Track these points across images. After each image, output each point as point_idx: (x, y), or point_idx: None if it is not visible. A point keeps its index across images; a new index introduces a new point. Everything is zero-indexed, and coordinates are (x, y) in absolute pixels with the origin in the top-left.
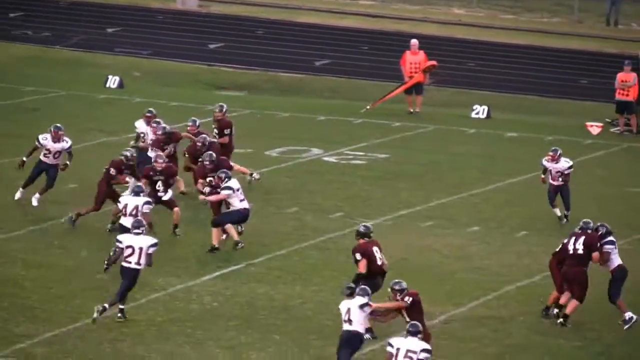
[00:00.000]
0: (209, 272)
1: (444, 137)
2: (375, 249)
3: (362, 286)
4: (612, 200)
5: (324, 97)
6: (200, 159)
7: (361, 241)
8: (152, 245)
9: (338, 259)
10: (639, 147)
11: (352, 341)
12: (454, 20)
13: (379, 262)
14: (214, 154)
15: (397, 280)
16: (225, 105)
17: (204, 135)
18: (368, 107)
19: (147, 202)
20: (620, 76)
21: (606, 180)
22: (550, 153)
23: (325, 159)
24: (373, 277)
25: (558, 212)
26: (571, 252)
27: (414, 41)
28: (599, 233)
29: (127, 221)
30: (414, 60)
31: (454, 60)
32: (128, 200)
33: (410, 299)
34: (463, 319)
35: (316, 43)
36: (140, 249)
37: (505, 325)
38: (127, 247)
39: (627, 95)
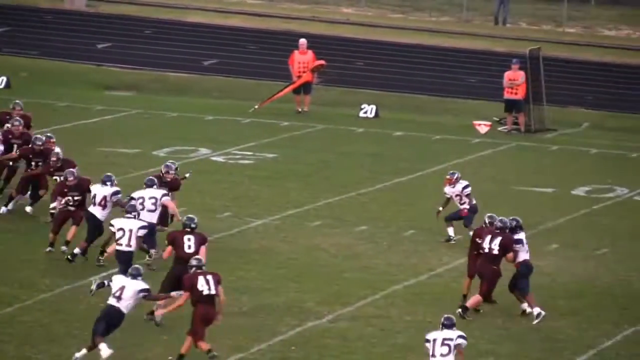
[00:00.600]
0: (96, 272)
1: (333, 137)
2: (187, 237)
3: (136, 266)
4: (500, 199)
5: (212, 97)
6: (58, 176)
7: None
8: (141, 228)
9: (228, 259)
10: (526, 145)
11: (114, 318)
12: (343, 20)
13: (187, 250)
14: (74, 170)
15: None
16: None
17: (57, 150)
18: (256, 106)
19: (115, 192)
20: (508, 75)
21: (494, 178)
22: (448, 176)
23: (214, 158)
24: (182, 264)
25: (451, 232)
26: (486, 250)
27: (303, 40)
28: (513, 225)
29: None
30: (302, 59)
31: (342, 60)
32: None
33: (181, 293)
34: (350, 318)
35: (204, 43)
36: (130, 231)
37: (393, 324)
38: (119, 229)
39: (516, 94)
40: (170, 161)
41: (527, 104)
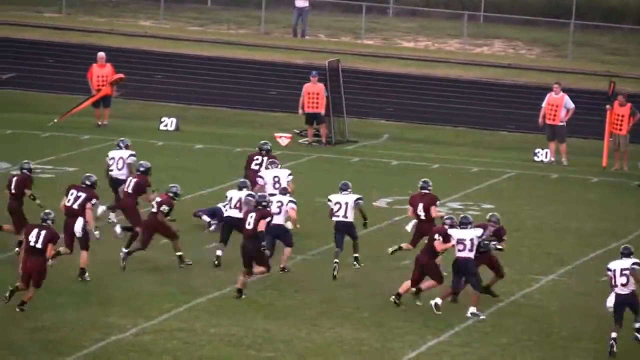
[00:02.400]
0: None
1: (135, 150)
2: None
3: None
4: (302, 211)
5: (10, 110)
6: None
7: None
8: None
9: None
10: (328, 157)
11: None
12: (141, 32)
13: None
14: None
15: None
16: None
17: None
18: (56, 120)
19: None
20: (307, 87)
21: (296, 190)
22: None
23: (14, 173)
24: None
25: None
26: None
27: (101, 54)
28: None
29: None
30: (100, 73)
31: (142, 73)
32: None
33: None
34: (154, 331)
35: (1, 57)
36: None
37: (197, 337)
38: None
39: (317, 106)
40: None
41: (327, 116)
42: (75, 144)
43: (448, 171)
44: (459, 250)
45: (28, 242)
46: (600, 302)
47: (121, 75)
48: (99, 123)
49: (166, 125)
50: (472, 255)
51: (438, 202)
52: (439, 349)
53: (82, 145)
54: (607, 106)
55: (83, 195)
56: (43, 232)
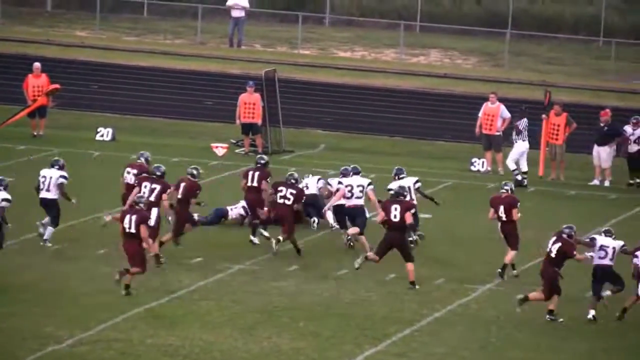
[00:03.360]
0: None
1: (70, 160)
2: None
3: None
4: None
5: None
6: None
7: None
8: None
9: None
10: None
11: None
12: (77, 43)
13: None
14: None
15: None
16: None
17: None
18: None
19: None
20: (243, 97)
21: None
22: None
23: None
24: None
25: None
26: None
27: (37, 64)
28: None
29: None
30: (36, 83)
31: (78, 83)
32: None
33: None
34: (91, 342)
35: None
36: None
37: (134, 347)
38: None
39: (253, 117)
40: None
41: (263, 126)
42: (11, 154)
43: (385, 181)
44: (600, 258)
45: (124, 227)
46: (536, 311)
47: (56, 86)
48: (35, 133)
49: (102, 136)
50: (612, 263)
51: (519, 204)
52: (376, 359)
53: (18, 156)
54: (543, 116)
55: (158, 187)
56: (134, 217)
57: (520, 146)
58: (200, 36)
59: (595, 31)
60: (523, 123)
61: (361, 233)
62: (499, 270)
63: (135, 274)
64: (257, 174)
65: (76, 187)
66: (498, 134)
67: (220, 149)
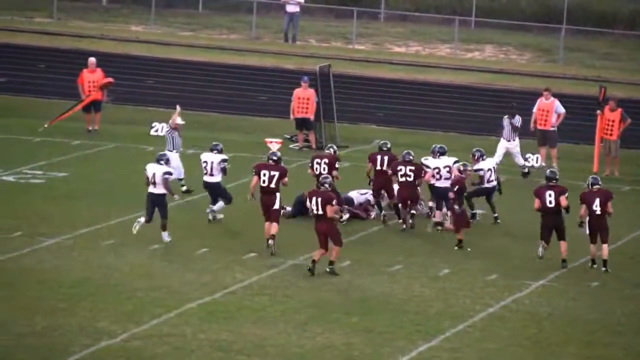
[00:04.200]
0: None
1: (124, 155)
2: (548, 192)
3: None
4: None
5: (1, 116)
6: None
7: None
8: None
9: (20, 278)
10: None
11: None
12: (132, 38)
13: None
14: None
15: None
16: None
17: None
18: (46, 125)
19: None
20: (297, 92)
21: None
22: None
23: (4, 178)
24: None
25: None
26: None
27: (92, 59)
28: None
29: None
30: (91, 78)
31: (133, 78)
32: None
33: None
34: (144, 337)
35: None
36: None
37: (187, 342)
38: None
39: (307, 112)
40: None
41: (317, 121)
42: (66, 149)
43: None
44: None
45: (311, 209)
46: (590, 307)
47: (110, 80)
48: (89, 128)
49: (157, 131)
50: None
51: (613, 197)
52: (430, 354)
53: (73, 151)
54: (598, 111)
55: (277, 173)
56: (320, 198)
57: (515, 144)
58: (255, 31)
59: None
60: (519, 120)
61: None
62: (590, 264)
63: (339, 252)
64: (386, 158)
65: (127, 182)
66: (553, 129)
67: (274, 144)
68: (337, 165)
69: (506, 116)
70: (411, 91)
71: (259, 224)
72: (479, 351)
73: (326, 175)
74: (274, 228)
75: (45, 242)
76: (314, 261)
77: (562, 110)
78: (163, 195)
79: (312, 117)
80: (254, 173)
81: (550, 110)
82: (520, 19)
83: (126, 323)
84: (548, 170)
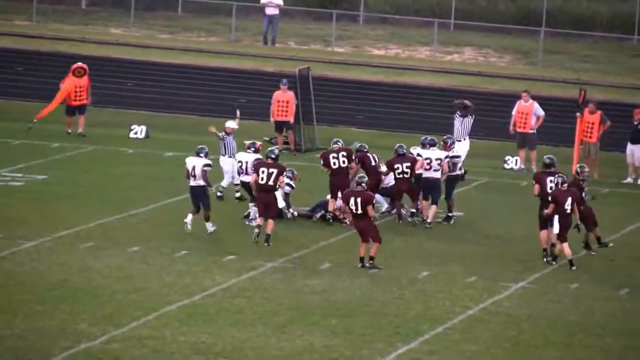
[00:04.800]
0: None
1: (104, 158)
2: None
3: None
4: None
5: None
6: None
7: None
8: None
9: None
10: (298, 165)
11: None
12: (112, 40)
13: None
14: None
15: None
16: None
17: None
18: (35, 120)
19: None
20: (276, 95)
21: None
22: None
23: None
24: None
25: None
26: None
27: (79, 64)
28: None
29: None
30: (79, 83)
31: (112, 81)
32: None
33: None
34: (124, 339)
35: None
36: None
37: (167, 345)
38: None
39: (286, 114)
40: None
41: (297, 123)
42: (45, 152)
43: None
44: None
45: (350, 209)
46: (570, 308)
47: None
48: (69, 131)
49: (136, 133)
50: None
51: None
52: (409, 357)
53: (52, 153)
54: (578, 114)
55: (275, 170)
56: (359, 199)
57: (466, 144)
58: (234, 34)
59: (629, 29)
60: (470, 120)
61: (435, 203)
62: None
63: (378, 247)
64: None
65: (107, 185)
66: (532, 131)
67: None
68: (353, 157)
69: (457, 114)
70: (391, 94)
71: (239, 226)
72: (459, 353)
73: (362, 175)
74: (270, 225)
75: (24, 244)
76: (362, 258)
77: (541, 112)
78: (203, 186)
79: (291, 119)
80: (253, 171)
81: (529, 113)
82: (500, 21)
83: (105, 325)
84: (546, 157)
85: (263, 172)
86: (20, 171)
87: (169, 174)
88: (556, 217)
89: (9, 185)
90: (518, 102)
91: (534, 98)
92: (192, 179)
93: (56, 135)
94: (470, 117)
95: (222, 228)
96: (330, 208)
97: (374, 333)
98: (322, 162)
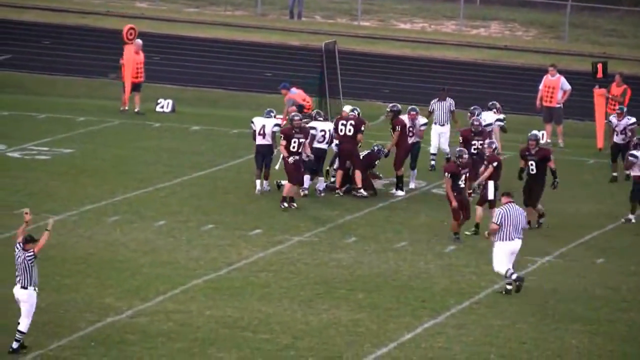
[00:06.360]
0: None
1: (130, 132)
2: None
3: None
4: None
5: (6, 92)
6: None
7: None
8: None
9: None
10: None
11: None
12: (137, 14)
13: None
14: None
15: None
16: None
17: None
18: (125, 107)
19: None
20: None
21: None
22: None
23: (9, 154)
24: None
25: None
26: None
27: (139, 41)
28: None
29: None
30: (138, 59)
31: None
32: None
33: None
34: (150, 313)
35: None
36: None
37: (193, 319)
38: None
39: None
40: None
41: (324, 97)
42: (71, 126)
43: (444, 153)
44: None
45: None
46: (595, 283)
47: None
48: (125, 108)
49: (162, 107)
50: None
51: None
52: (435, 331)
53: (78, 127)
54: (597, 87)
55: (303, 137)
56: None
57: (447, 128)
58: (260, 8)
59: None
60: (452, 104)
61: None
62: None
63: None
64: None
65: (133, 159)
66: (558, 106)
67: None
68: (362, 129)
69: (436, 99)
70: (416, 68)
71: (265, 200)
72: (485, 327)
73: (462, 148)
74: (294, 189)
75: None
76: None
77: (567, 87)
78: (270, 145)
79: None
80: (282, 138)
81: (555, 87)
82: None
83: (132, 299)
84: (531, 133)
85: (294, 141)
86: (47, 145)
87: (195, 148)
88: (491, 183)
89: (36, 159)
90: (545, 77)
91: (559, 72)
92: (259, 137)
93: (82, 108)
94: (451, 100)
95: (248, 202)
96: (337, 182)
97: (400, 307)
98: (333, 128)
